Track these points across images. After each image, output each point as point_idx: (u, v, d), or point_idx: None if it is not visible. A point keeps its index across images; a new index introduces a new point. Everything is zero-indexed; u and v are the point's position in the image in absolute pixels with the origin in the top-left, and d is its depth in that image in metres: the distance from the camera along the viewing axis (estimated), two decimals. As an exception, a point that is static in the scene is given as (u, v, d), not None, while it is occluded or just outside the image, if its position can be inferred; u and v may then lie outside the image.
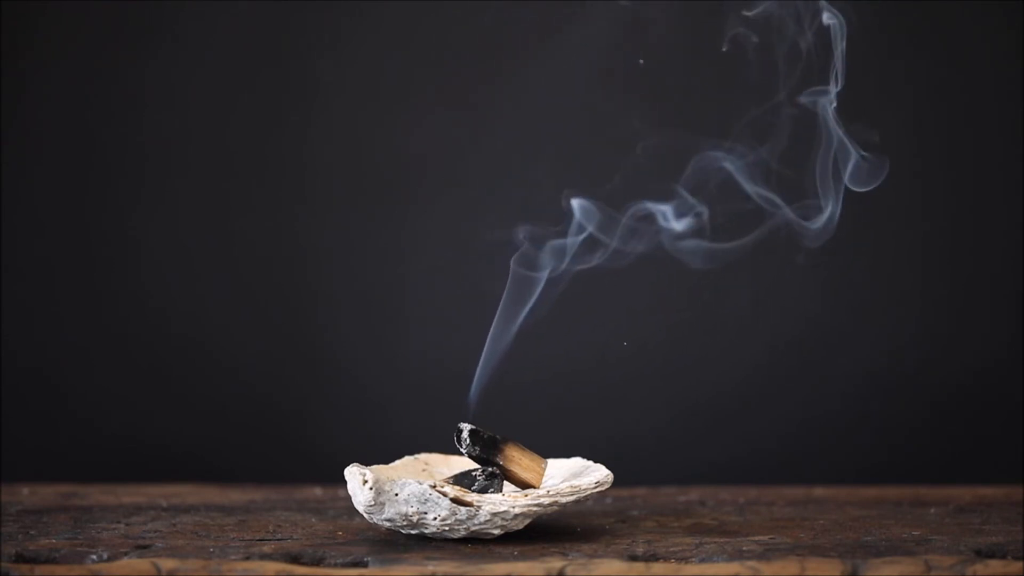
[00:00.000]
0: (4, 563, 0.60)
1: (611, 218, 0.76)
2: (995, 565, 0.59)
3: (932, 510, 0.75)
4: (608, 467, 0.68)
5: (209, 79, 0.95)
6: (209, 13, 0.95)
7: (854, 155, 0.76)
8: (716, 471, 0.93)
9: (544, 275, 0.74)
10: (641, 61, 0.87)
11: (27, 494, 0.81)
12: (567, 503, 0.65)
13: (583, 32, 0.94)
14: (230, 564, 0.59)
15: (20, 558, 0.61)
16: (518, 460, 0.68)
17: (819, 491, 0.83)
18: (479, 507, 0.64)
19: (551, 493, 0.65)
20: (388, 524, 0.65)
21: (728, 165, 0.78)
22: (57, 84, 0.95)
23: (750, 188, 0.77)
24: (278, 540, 0.65)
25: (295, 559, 0.61)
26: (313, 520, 0.72)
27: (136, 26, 0.94)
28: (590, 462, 0.70)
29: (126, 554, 0.62)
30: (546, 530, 0.68)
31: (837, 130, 0.76)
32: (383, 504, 0.64)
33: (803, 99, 0.77)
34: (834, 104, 0.76)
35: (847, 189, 0.77)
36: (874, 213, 0.89)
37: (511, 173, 0.95)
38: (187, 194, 0.96)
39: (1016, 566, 0.59)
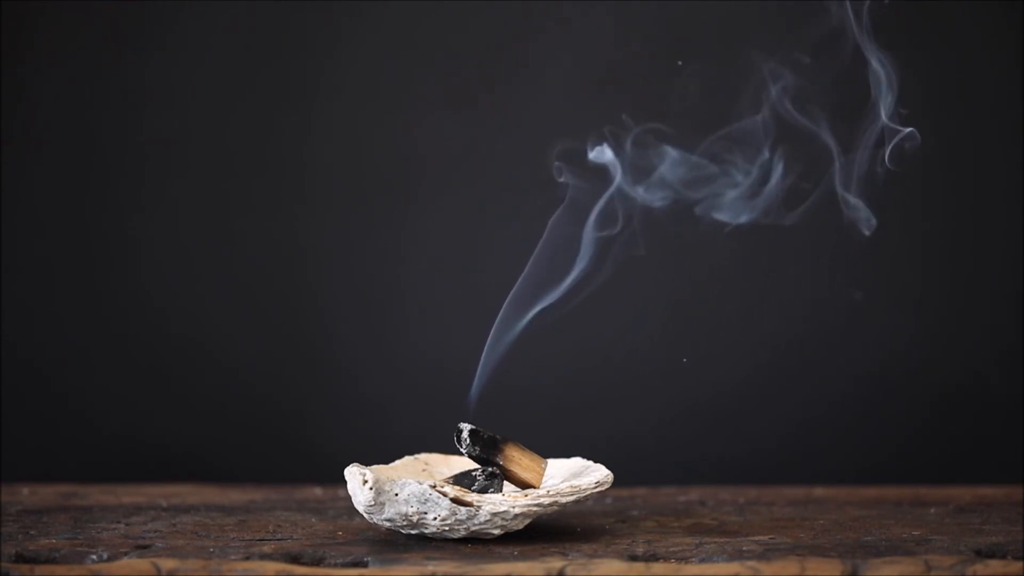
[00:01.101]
0: (4, 563, 0.60)
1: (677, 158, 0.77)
2: (995, 565, 0.59)
3: (932, 510, 0.75)
4: (608, 467, 0.69)
5: (209, 79, 0.95)
6: (209, 13, 0.95)
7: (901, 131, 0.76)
8: (716, 471, 0.93)
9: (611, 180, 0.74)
10: (680, 62, 0.86)
11: (27, 494, 0.81)
12: (567, 503, 0.65)
13: (585, 30, 0.94)
14: (230, 564, 0.59)
15: (20, 558, 0.61)
16: (518, 460, 0.68)
17: (819, 491, 0.83)
18: (479, 507, 0.64)
19: (551, 493, 0.65)
20: (388, 524, 0.65)
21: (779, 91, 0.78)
22: (57, 84, 0.95)
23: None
24: (278, 540, 0.66)
25: (295, 559, 0.61)
26: (313, 520, 0.72)
27: (136, 26, 0.94)
28: (590, 462, 0.70)
29: (126, 554, 0.62)
30: (546, 530, 0.68)
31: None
32: (383, 504, 0.64)
33: None
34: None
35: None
36: (874, 213, 0.89)
37: (511, 173, 0.95)
38: (187, 194, 0.96)
39: (1016, 566, 0.59)
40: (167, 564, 0.59)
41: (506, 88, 0.95)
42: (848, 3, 0.78)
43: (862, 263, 0.94)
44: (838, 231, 0.82)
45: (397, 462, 0.72)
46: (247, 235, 0.96)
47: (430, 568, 0.59)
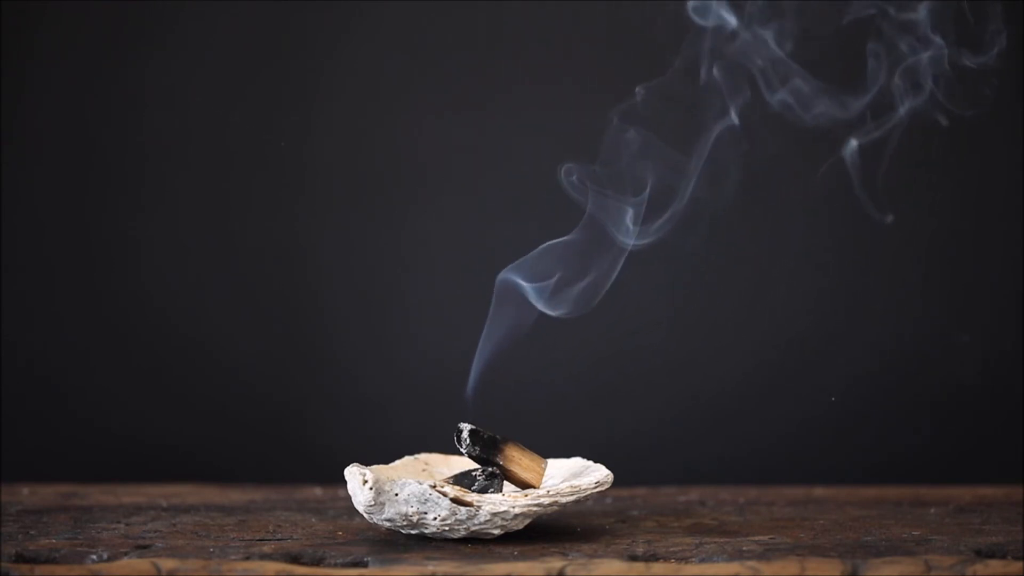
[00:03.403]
0: (4, 563, 0.60)
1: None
2: (995, 565, 0.59)
3: (932, 510, 0.75)
4: (608, 467, 0.69)
5: (209, 79, 0.95)
6: (209, 13, 0.95)
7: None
8: (716, 471, 0.93)
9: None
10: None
11: (27, 494, 0.81)
12: (567, 503, 0.65)
13: (585, 31, 0.94)
14: (230, 564, 0.59)
15: (20, 558, 0.61)
16: (518, 460, 0.68)
17: (819, 491, 0.83)
18: (479, 507, 0.64)
19: (551, 493, 0.65)
20: (388, 524, 0.65)
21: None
22: (57, 84, 0.95)
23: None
24: (278, 540, 0.66)
25: (295, 559, 0.61)
26: (313, 520, 0.72)
27: (136, 26, 0.94)
28: (590, 462, 0.70)
29: (126, 554, 0.62)
30: (546, 530, 0.68)
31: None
32: (383, 504, 0.64)
33: None
34: None
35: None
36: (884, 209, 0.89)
37: (511, 172, 0.95)
38: (187, 194, 0.96)
39: (1016, 566, 0.59)
40: (167, 564, 0.59)
41: (507, 88, 0.95)
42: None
43: (863, 263, 0.94)
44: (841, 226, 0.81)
45: (397, 462, 0.72)
46: (247, 235, 0.96)
47: (430, 568, 0.59)
